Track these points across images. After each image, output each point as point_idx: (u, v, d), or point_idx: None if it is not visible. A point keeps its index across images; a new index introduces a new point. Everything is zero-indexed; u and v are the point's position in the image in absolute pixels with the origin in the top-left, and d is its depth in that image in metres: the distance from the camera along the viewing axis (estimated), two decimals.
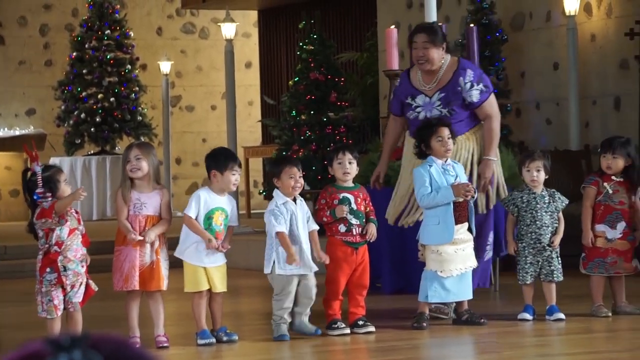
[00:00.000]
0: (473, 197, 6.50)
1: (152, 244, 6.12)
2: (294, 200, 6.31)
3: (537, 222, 6.74)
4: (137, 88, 15.31)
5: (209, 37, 17.42)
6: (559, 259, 6.78)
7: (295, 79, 12.08)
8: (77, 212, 6.14)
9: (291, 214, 6.26)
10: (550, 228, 6.75)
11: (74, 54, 15.19)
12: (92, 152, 15.34)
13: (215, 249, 6.16)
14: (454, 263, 6.47)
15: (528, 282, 6.75)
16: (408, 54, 7.04)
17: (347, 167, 6.46)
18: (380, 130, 10.86)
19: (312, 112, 11.83)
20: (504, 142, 9.87)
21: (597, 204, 6.86)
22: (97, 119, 14.97)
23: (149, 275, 6.11)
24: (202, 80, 17.44)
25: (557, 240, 6.75)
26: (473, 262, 6.59)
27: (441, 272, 6.46)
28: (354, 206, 6.45)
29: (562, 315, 6.64)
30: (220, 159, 6.28)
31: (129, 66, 15.24)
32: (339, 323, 6.37)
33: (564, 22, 10.55)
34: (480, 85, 6.82)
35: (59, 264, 5.92)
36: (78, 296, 5.99)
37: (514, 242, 6.81)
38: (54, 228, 5.93)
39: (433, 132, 6.44)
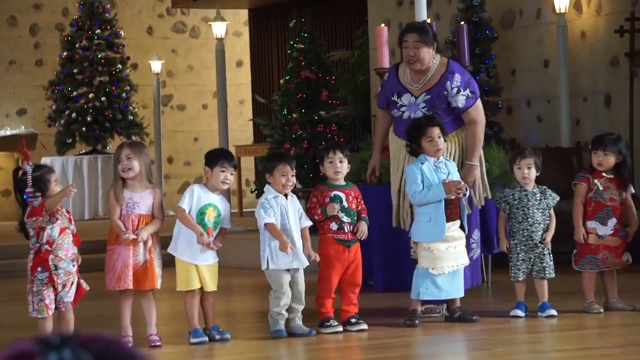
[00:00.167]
0: (465, 194, 6.50)
1: (145, 243, 6.12)
2: (285, 196, 6.33)
3: (529, 219, 6.75)
4: (128, 87, 15.30)
5: (200, 36, 17.40)
6: (551, 255, 6.79)
7: (286, 78, 12.07)
8: (68, 212, 6.13)
9: (282, 208, 6.27)
10: (542, 225, 6.76)
11: (65, 53, 15.17)
12: (83, 151, 15.32)
13: (205, 245, 6.16)
14: (445, 260, 6.48)
15: (520, 279, 6.76)
16: (399, 52, 7.02)
17: (338, 166, 6.47)
18: (371, 128, 10.86)
19: (303, 110, 11.83)
20: (495, 140, 9.88)
21: (587, 200, 6.87)
22: (88, 119, 14.95)
23: (143, 275, 6.11)
24: (193, 79, 17.43)
25: (549, 237, 6.76)
26: (465, 260, 6.59)
27: (433, 269, 6.47)
28: (345, 204, 6.46)
29: (554, 312, 6.66)
30: (213, 157, 6.34)
31: (119, 65, 15.22)
32: (331, 321, 6.38)
33: (554, 19, 10.56)
34: (467, 91, 6.80)
35: (50, 263, 5.92)
36: (69, 296, 5.99)
37: (506, 239, 6.82)
38: (44, 227, 5.93)
39: (423, 134, 6.45)
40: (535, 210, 6.76)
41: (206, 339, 6.18)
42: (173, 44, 17.32)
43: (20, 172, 6.05)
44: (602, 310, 6.77)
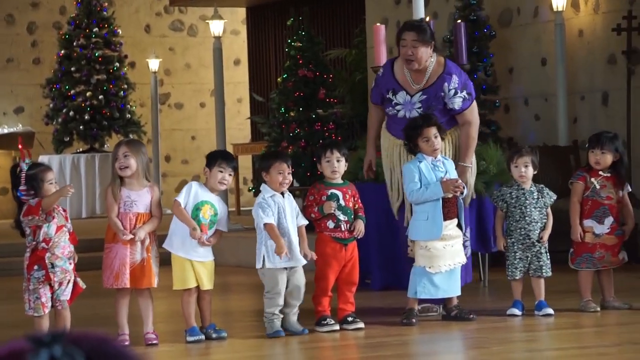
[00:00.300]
0: (462, 192, 6.50)
1: (142, 242, 6.13)
2: (282, 194, 6.33)
3: (526, 218, 6.75)
4: (125, 86, 15.29)
5: (198, 34, 17.40)
6: (548, 254, 6.79)
7: (284, 76, 12.07)
8: (64, 210, 6.13)
9: (279, 207, 6.27)
10: (539, 224, 6.76)
11: (62, 51, 15.16)
12: (81, 149, 15.32)
13: (197, 240, 6.16)
14: (443, 259, 6.48)
15: (517, 278, 6.76)
16: (396, 51, 7.01)
17: (336, 165, 6.47)
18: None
19: (300, 109, 11.83)
20: (493, 138, 9.88)
21: (584, 199, 6.87)
22: (86, 117, 14.94)
23: (140, 273, 6.12)
24: (191, 77, 17.42)
25: (546, 235, 6.76)
26: (462, 258, 6.59)
27: (430, 268, 6.47)
28: (342, 202, 6.46)
29: (550, 311, 6.66)
30: (213, 157, 6.39)
31: (117, 64, 15.21)
32: (328, 319, 6.38)
33: (552, 17, 10.56)
34: (464, 93, 6.79)
35: (46, 261, 5.92)
36: (66, 294, 5.98)
37: (503, 237, 6.82)
38: (41, 225, 5.92)
39: (419, 134, 6.45)
40: (533, 209, 6.76)
41: (203, 337, 6.18)
42: (171, 42, 17.31)
43: (18, 169, 6.06)
44: (598, 308, 6.77)
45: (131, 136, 14.48)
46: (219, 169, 6.29)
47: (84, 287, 6.08)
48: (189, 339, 6.16)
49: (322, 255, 6.43)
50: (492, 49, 10.82)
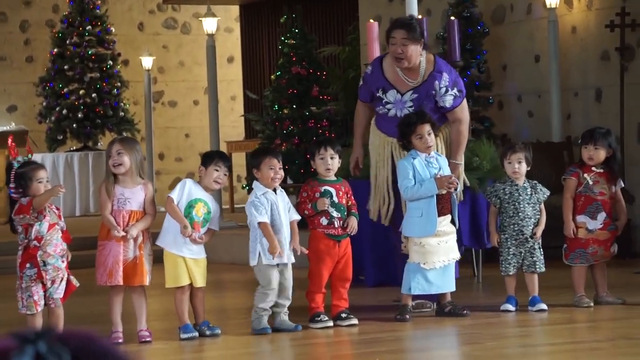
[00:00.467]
0: (456, 189, 6.51)
1: (135, 239, 6.12)
2: (274, 190, 6.33)
3: (520, 214, 6.76)
4: (119, 84, 15.27)
5: (191, 32, 17.38)
6: (541, 250, 6.80)
7: (277, 73, 12.06)
8: (57, 209, 6.12)
9: (272, 204, 6.27)
10: (532, 219, 6.77)
11: (55, 50, 15.13)
12: (74, 148, 15.29)
13: (188, 237, 6.16)
14: (437, 255, 6.48)
15: (510, 273, 6.77)
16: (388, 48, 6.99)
17: (329, 162, 6.47)
18: None
19: (294, 106, 11.82)
20: (486, 135, 9.88)
21: (577, 195, 6.88)
22: (79, 115, 14.92)
23: (132, 271, 6.11)
24: (185, 75, 17.40)
25: (539, 231, 6.77)
26: (456, 254, 6.60)
27: (424, 264, 6.47)
28: (335, 199, 6.46)
29: (544, 306, 6.67)
30: (208, 157, 6.42)
31: (110, 62, 15.18)
32: (322, 316, 6.38)
33: (545, 14, 10.56)
34: (455, 90, 6.78)
35: (38, 259, 5.91)
36: (59, 292, 5.98)
37: (497, 233, 6.82)
38: (32, 223, 5.92)
39: (412, 131, 6.45)
40: (526, 205, 6.77)
41: (196, 334, 6.18)
42: (164, 40, 17.29)
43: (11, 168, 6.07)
44: (592, 304, 6.78)
45: (125, 134, 14.46)
46: (215, 167, 6.29)
47: (78, 284, 6.07)
48: (183, 336, 6.16)
49: (315, 252, 6.43)
50: (485, 46, 10.82)
